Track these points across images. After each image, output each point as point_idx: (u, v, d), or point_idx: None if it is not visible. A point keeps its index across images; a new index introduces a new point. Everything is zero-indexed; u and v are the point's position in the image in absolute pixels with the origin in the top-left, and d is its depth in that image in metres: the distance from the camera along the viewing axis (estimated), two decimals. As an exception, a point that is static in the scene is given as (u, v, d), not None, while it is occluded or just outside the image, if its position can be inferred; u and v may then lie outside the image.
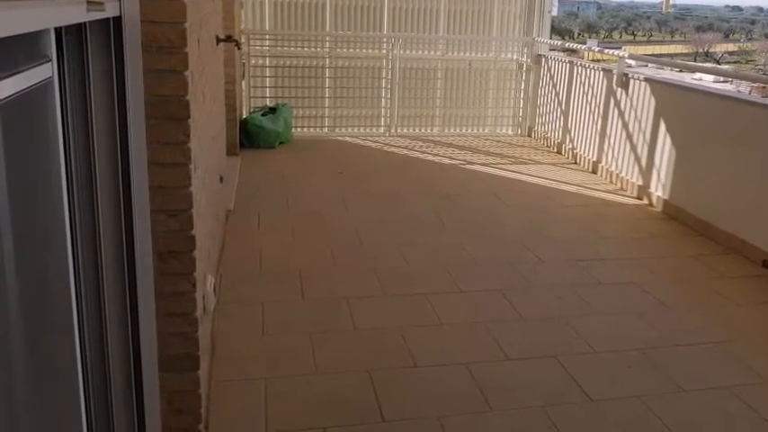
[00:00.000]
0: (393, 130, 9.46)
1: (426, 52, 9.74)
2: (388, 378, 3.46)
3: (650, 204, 6.61)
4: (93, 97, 2.07)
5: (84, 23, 1.93)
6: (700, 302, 4.63)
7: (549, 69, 9.25)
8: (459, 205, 6.46)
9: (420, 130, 9.78)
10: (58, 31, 1.71)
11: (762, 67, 75.15)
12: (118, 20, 2.15)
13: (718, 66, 61.75)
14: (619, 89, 7.29)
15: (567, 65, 8.72)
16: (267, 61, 9.23)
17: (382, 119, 9.56)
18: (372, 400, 3.26)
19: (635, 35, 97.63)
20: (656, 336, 4.06)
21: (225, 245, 5.06)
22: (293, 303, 4.26)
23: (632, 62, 8.39)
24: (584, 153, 8.13)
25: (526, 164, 8.23)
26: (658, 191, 6.53)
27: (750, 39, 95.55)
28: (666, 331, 4.10)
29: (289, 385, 3.37)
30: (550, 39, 9.94)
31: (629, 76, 7.17)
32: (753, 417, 3.31)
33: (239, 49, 7.37)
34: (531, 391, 3.43)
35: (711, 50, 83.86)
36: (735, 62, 79.63)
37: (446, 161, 8.22)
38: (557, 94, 8.97)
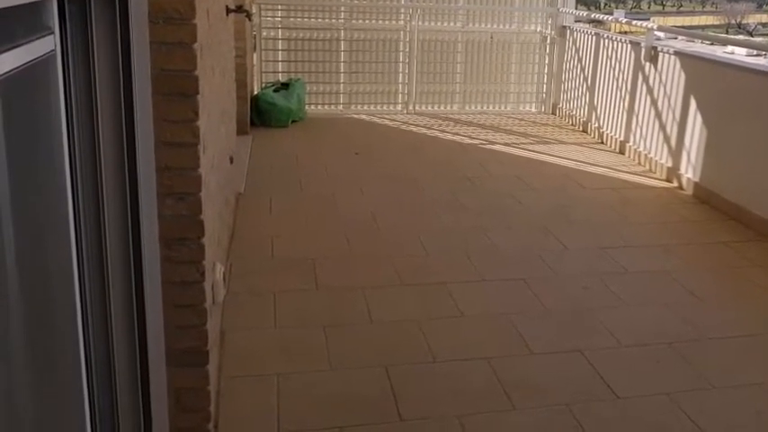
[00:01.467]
0: (411, 108, 9.40)
1: (446, 24, 9.64)
2: (405, 374, 3.44)
3: (680, 187, 6.54)
4: (98, 72, 2.04)
5: (89, -8, 1.90)
6: (732, 292, 4.59)
7: (575, 42, 9.13)
8: (479, 188, 6.41)
9: (439, 107, 9.71)
10: (60, 1, 1.69)
11: (798, 39, 74.23)
12: (123, -12, 2.11)
13: (752, 38, 60.99)
14: (647, 63, 7.18)
15: (593, 37, 8.61)
16: (279, 33, 9.17)
17: (400, 95, 9.50)
18: (390, 397, 3.23)
19: (664, 5, 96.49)
20: (685, 328, 4.00)
21: (235, 231, 5.04)
22: (307, 294, 4.24)
23: (661, 34, 8.27)
24: (610, 132, 8.03)
25: (550, 144, 8.15)
26: (688, 173, 6.44)
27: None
28: (696, 323, 4.05)
29: (302, 381, 3.35)
30: (575, 9, 9.84)
31: (658, 49, 7.06)
32: (789, 417, 3.29)
33: (250, 20, 7.33)
34: (555, 387, 3.39)
35: (744, 22, 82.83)
36: (769, 34, 78.74)
37: (466, 141, 8.16)
38: (582, 69, 8.87)
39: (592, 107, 8.55)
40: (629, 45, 7.66)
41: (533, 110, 9.88)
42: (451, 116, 9.40)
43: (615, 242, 5.20)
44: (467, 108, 9.78)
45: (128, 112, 2.16)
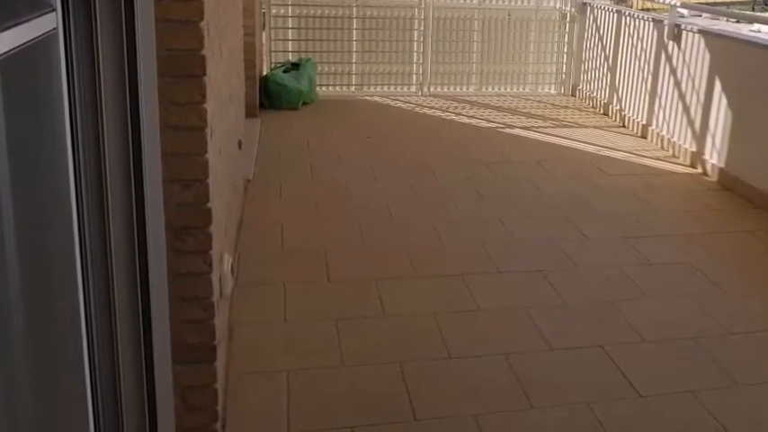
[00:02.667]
0: (426, 90, 9.36)
1: (462, 0, 9.59)
2: (420, 370, 3.42)
3: (704, 173, 6.47)
4: (101, 51, 2.02)
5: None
6: (758, 285, 4.53)
7: (595, 20, 9.05)
8: (496, 174, 6.37)
9: (454, 89, 9.66)
10: (62, -24, 1.67)
11: (827, 14, 73.24)
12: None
13: (779, 13, 60.18)
14: (670, 42, 7.10)
15: (615, 15, 8.52)
16: (289, 11, 9.10)
17: (414, 77, 9.45)
18: (404, 395, 3.21)
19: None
20: (710, 323, 3.96)
21: (243, 219, 5.02)
22: (318, 286, 4.22)
23: (685, 11, 8.20)
24: (632, 115, 7.97)
25: (570, 127, 8.11)
26: (713, 158, 6.37)
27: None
28: (721, 317, 4.01)
29: (313, 378, 3.34)
30: (597, -15, 9.76)
31: (682, 27, 6.98)
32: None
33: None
34: (575, 385, 3.37)
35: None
36: (798, 8, 77.67)
37: (483, 124, 8.12)
38: (603, 49, 8.79)
39: (613, 89, 8.48)
40: (651, 23, 7.58)
41: (552, 91, 9.82)
42: (467, 98, 9.34)
43: (638, 231, 5.15)
44: (483, 90, 9.71)
45: (132, 94, 2.14)
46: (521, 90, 9.78)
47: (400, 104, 8.92)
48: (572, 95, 9.64)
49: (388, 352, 3.56)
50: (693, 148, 6.70)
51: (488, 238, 4.95)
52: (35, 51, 1.41)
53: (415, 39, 9.33)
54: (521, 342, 3.72)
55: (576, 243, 4.95)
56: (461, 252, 4.75)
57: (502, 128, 8.01)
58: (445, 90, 9.59)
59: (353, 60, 9.35)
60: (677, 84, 6.99)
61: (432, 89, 9.42)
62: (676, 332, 3.87)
